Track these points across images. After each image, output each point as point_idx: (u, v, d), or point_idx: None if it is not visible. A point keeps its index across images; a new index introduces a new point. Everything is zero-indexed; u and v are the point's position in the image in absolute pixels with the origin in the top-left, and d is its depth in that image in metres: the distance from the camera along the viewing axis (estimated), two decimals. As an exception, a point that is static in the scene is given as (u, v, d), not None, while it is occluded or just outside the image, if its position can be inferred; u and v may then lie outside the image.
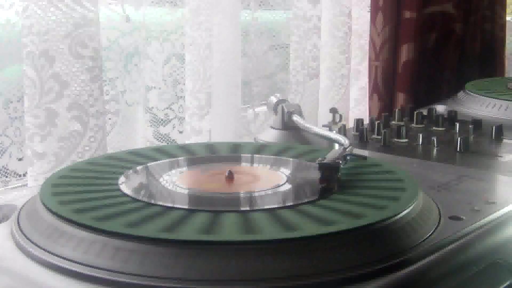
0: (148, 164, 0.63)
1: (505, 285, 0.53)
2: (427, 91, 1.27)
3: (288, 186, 0.58)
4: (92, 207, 0.51)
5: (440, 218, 0.54)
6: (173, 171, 0.62)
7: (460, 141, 0.82)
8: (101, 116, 0.79)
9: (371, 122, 0.93)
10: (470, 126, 0.91)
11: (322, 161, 0.57)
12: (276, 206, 0.52)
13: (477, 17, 1.37)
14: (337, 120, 0.84)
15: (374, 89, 1.22)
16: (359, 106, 1.26)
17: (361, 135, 0.88)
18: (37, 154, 0.76)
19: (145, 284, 0.43)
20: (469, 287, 0.50)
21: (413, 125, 0.96)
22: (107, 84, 0.85)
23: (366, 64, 1.23)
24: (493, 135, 0.89)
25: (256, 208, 0.53)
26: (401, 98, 1.22)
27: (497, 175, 0.71)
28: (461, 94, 1.09)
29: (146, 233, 0.46)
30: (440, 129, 0.94)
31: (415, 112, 0.97)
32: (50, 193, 0.54)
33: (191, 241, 0.45)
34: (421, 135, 0.86)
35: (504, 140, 0.88)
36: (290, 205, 0.52)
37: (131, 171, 0.61)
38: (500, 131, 0.89)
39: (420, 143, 0.86)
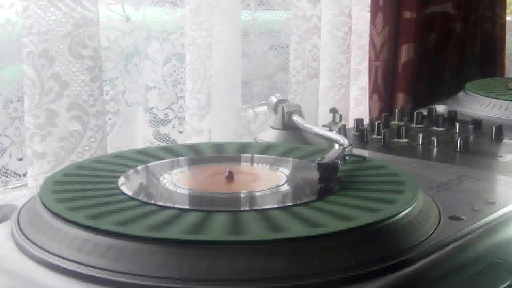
0: (149, 164, 0.63)
1: (505, 285, 0.53)
2: (427, 91, 1.27)
3: (287, 187, 0.58)
4: (91, 206, 0.51)
5: (440, 218, 0.54)
6: (173, 171, 0.62)
7: (460, 141, 0.82)
8: (101, 116, 0.79)
9: (371, 122, 0.93)
10: (470, 126, 0.91)
11: (321, 161, 0.57)
12: (275, 206, 0.52)
13: (477, 17, 1.37)
14: (337, 120, 0.84)
15: (374, 89, 1.22)
16: (359, 106, 1.26)
17: (361, 135, 0.88)
18: (37, 154, 0.76)
19: (146, 284, 0.43)
20: (469, 287, 0.50)
21: (413, 125, 0.96)
22: (107, 84, 0.85)
23: (366, 64, 1.23)
24: (493, 135, 0.89)
25: (256, 208, 0.53)
26: (401, 98, 1.22)
27: (497, 175, 0.71)
28: (461, 94, 1.09)
29: (146, 233, 0.46)
30: (440, 129, 0.94)
31: (415, 112, 0.97)
32: (50, 193, 0.54)
33: (191, 241, 0.45)
34: (421, 135, 0.86)
35: (504, 140, 0.88)
36: (289, 205, 0.52)
37: (132, 171, 0.61)
38: (500, 131, 0.89)
39: (420, 143, 0.86)
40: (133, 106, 0.90)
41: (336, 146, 0.71)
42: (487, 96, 1.03)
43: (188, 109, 0.92)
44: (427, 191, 0.60)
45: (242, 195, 0.57)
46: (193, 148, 0.70)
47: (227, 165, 0.63)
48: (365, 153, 0.77)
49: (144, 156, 0.66)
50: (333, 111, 0.85)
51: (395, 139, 0.88)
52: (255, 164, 0.67)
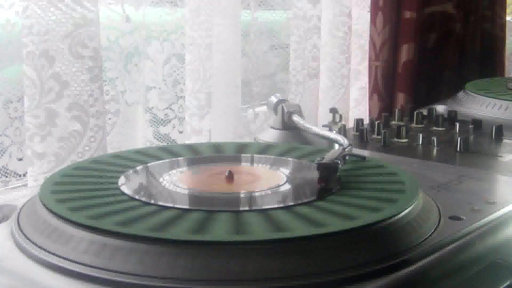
0: (149, 164, 0.63)
1: (505, 285, 0.53)
2: (427, 91, 1.27)
3: (287, 187, 0.58)
4: (92, 207, 0.51)
5: (440, 218, 0.54)
6: (173, 171, 0.62)
7: (460, 141, 0.82)
8: (101, 116, 0.79)
9: (371, 122, 0.93)
10: (470, 126, 0.91)
11: (321, 161, 0.57)
12: (275, 206, 0.52)
13: (477, 17, 1.37)
14: (337, 120, 0.84)
15: (374, 89, 1.22)
16: (359, 106, 1.26)
17: (361, 135, 0.88)
18: (37, 154, 0.76)
19: (145, 284, 0.43)
20: (469, 287, 0.50)
21: (413, 125, 0.96)
22: (107, 84, 0.85)
23: (366, 64, 1.23)
24: (493, 135, 0.89)
25: (255, 208, 0.53)
26: (401, 98, 1.22)
27: (497, 175, 0.71)
28: (461, 94, 1.09)
29: (145, 233, 0.46)
30: (440, 129, 0.94)
31: (415, 112, 0.97)
32: (50, 193, 0.54)
33: (190, 241, 0.45)
34: (421, 135, 0.86)
35: (504, 140, 0.88)
36: (289, 205, 0.52)
37: (132, 171, 0.61)
38: (500, 131, 0.89)
39: (420, 143, 0.86)
40: (133, 106, 0.90)
41: (336, 146, 0.70)
42: (487, 96, 1.03)
43: (188, 109, 0.92)
44: (427, 191, 0.60)
45: (242, 195, 0.57)
46: (191, 148, 0.70)
47: (227, 165, 0.63)
48: (365, 153, 0.77)
49: (142, 156, 0.66)
50: (333, 111, 0.85)
51: (395, 139, 0.88)
52: (255, 164, 0.67)
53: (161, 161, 0.64)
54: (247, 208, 0.53)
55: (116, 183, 0.57)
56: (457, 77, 1.32)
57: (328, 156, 0.59)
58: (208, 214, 0.50)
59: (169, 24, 0.91)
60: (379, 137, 0.87)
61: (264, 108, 0.91)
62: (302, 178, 0.62)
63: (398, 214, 0.50)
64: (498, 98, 1.02)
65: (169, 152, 0.68)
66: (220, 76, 0.95)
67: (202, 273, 0.43)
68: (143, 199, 0.53)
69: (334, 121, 0.84)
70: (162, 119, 0.92)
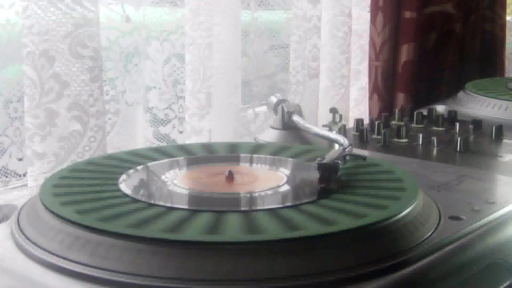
0: (148, 164, 0.63)
1: (505, 285, 0.53)
2: (427, 91, 1.27)
3: (287, 186, 0.58)
4: (92, 207, 0.51)
5: (440, 218, 0.54)
6: (173, 171, 0.62)
7: (460, 141, 0.82)
8: (101, 116, 0.79)
9: (371, 122, 0.93)
10: (470, 126, 0.91)
11: (321, 161, 0.57)
12: (276, 206, 0.52)
13: (477, 17, 1.37)
14: (337, 120, 0.84)
15: (374, 89, 1.22)
16: (359, 106, 1.26)
17: (361, 135, 0.88)
18: (37, 154, 0.76)
19: (145, 284, 0.43)
20: (469, 287, 0.50)
21: (413, 125, 0.96)
22: (107, 84, 0.85)
23: (366, 64, 1.23)
24: (493, 135, 0.89)
25: (256, 208, 0.53)
26: (401, 98, 1.22)
27: (497, 175, 0.71)
28: (461, 94, 1.09)
29: (147, 233, 0.46)
30: (440, 129, 0.94)
31: (415, 112, 0.97)
32: (50, 193, 0.54)
33: (191, 241, 0.45)
34: (421, 135, 0.86)
35: (504, 140, 0.88)
36: (290, 205, 0.52)
37: (131, 171, 0.61)
38: (500, 131, 0.89)
39: (420, 143, 0.86)
40: (133, 106, 0.90)
41: (336, 146, 0.71)
42: (487, 96, 1.03)
43: (188, 109, 0.92)
44: (427, 191, 0.60)
45: (242, 195, 0.57)
46: (183, 148, 0.70)
47: (228, 165, 0.63)
48: (365, 153, 0.77)
49: (135, 157, 0.65)
50: (333, 111, 0.85)
51: (395, 139, 0.88)
52: (253, 164, 0.67)
53: (160, 161, 0.64)
54: (244, 209, 0.53)
55: (116, 184, 0.57)
56: (457, 77, 1.32)
57: (329, 156, 0.59)
58: (215, 214, 0.50)
59: (169, 24, 0.91)
60: (379, 137, 0.87)
61: (264, 108, 0.91)
62: (302, 178, 0.62)
63: (398, 214, 0.50)
64: (498, 98, 1.02)
65: (162, 153, 0.67)
66: (220, 76, 0.95)
67: (195, 273, 0.43)
68: (143, 199, 0.53)
69: (334, 121, 0.84)
70: (162, 119, 0.92)
